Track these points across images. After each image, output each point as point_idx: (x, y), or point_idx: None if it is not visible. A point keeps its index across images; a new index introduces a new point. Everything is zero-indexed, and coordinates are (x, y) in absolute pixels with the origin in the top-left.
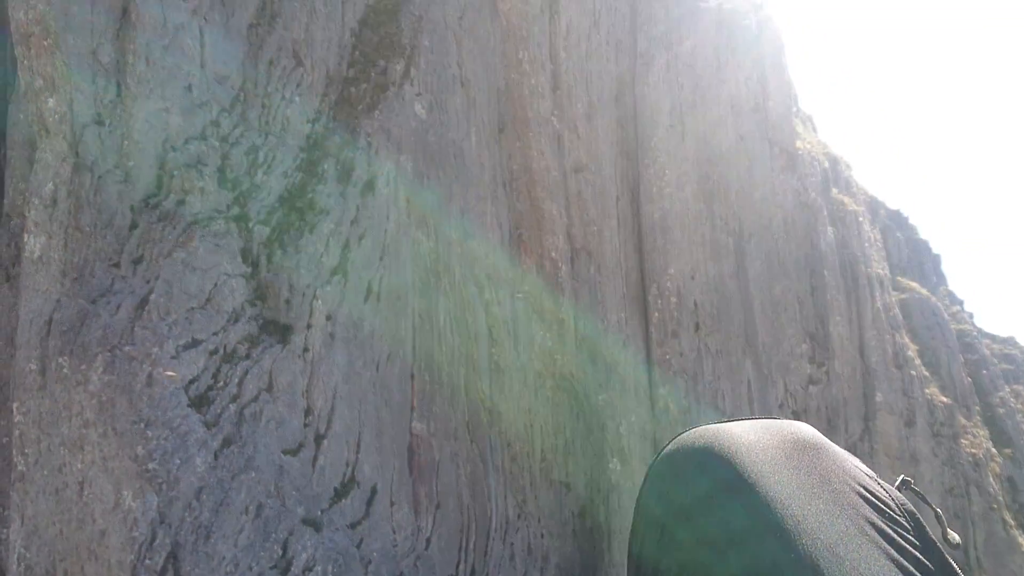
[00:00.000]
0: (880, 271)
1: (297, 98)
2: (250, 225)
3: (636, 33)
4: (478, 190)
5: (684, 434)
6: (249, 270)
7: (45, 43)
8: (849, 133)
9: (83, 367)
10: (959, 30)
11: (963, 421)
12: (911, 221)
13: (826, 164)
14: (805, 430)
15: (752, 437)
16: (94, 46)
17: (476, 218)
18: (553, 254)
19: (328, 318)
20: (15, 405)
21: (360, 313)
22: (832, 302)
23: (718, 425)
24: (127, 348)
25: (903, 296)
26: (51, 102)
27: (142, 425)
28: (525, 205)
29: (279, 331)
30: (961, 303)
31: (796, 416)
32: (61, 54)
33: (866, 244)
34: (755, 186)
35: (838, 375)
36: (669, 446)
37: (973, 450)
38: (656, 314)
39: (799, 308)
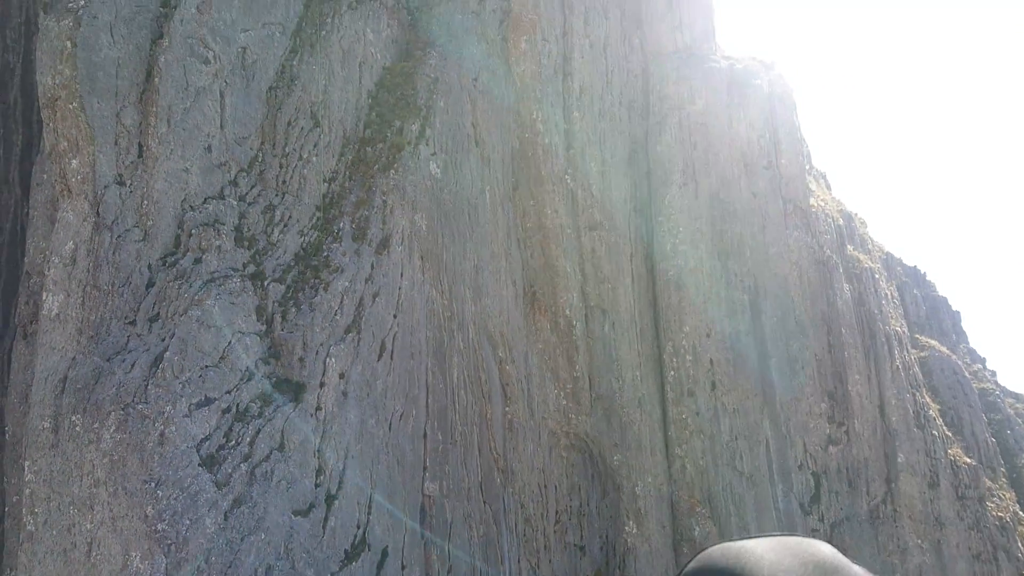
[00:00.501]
0: (898, 328)
1: (314, 158)
2: (265, 283)
3: (648, 93)
4: (492, 248)
5: (707, 553)
6: (264, 328)
7: (71, 107)
8: (863, 189)
9: (96, 425)
10: (975, 89)
11: (989, 483)
12: (929, 277)
13: (840, 221)
14: (825, 551)
15: (773, 557)
16: (118, 109)
17: (490, 276)
18: (567, 311)
19: (341, 376)
20: (27, 463)
21: (373, 371)
22: (850, 360)
23: (740, 544)
24: (140, 406)
25: (923, 354)
26: (74, 163)
27: (153, 484)
28: (539, 263)
29: (292, 389)
30: (983, 361)
31: (816, 477)
32: (86, 117)
33: (883, 301)
34: (769, 243)
35: (858, 435)
36: (693, 564)
37: (1000, 513)
38: (672, 372)
39: (817, 366)
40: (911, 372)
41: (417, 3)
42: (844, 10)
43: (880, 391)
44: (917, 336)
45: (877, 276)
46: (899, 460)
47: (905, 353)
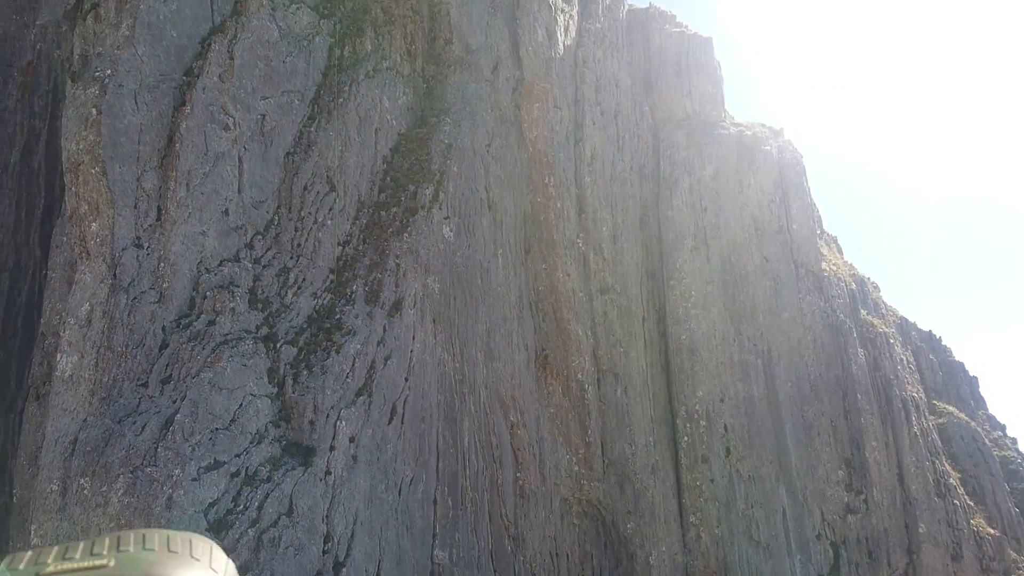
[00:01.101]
0: (915, 394)
1: (329, 221)
2: (278, 345)
3: (659, 158)
4: (504, 311)
5: None
6: (275, 390)
7: (93, 171)
8: (875, 253)
9: (104, 488)
10: (989, 151)
11: (1014, 555)
12: (944, 342)
13: (853, 285)
14: None
15: None
16: (139, 173)
17: (502, 339)
18: (579, 375)
19: (352, 440)
20: (33, 527)
21: (384, 435)
22: (867, 426)
23: None
24: (149, 469)
25: (941, 420)
26: (94, 226)
27: None
28: (551, 326)
29: (302, 453)
30: (1003, 428)
31: (835, 548)
32: (107, 181)
33: (899, 366)
34: (782, 307)
35: (877, 504)
36: None
37: None
38: (685, 438)
39: (833, 432)
40: (930, 439)
41: (432, 72)
42: (856, 77)
43: (899, 458)
44: (934, 402)
45: (892, 341)
46: (920, 530)
47: (923, 419)
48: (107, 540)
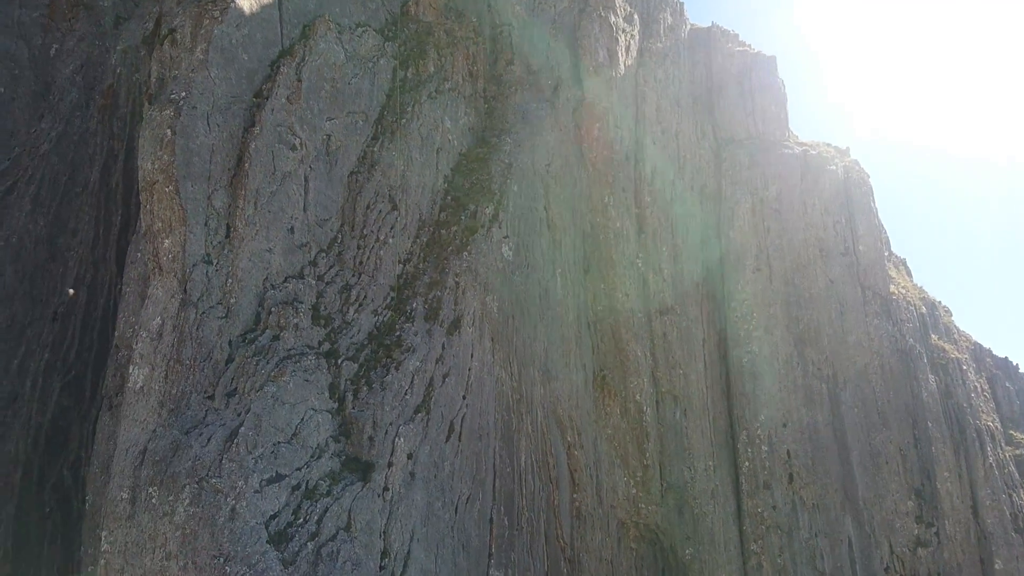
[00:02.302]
0: (990, 424)
1: (391, 240)
2: (339, 361)
3: (720, 179)
4: (562, 331)
5: None
6: (335, 405)
7: (167, 190)
8: (947, 277)
9: (171, 498)
10: None
11: None
12: (1022, 370)
13: (923, 309)
14: None
15: None
16: (210, 192)
17: (560, 359)
18: (638, 397)
19: (409, 456)
20: (103, 534)
21: (441, 452)
22: (938, 456)
23: None
24: (214, 480)
25: (1018, 452)
26: (167, 243)
27: (222, 560)
28: (609, 346)
29: (360, 468)
30: None
31: None
32: (180, 199)
33: (972, 394)
34: (848, 331)
35: (950, 537)
36: None
37: None
38: (746, 463)
39: (902, 461)
40: (1006, 471)
41: (493, 92)
42: (927, 91)
43: (972, 490)
44: (1012, 432)
45: (965, 367)
46: (996, 567)
47: (999, 450)
48: None
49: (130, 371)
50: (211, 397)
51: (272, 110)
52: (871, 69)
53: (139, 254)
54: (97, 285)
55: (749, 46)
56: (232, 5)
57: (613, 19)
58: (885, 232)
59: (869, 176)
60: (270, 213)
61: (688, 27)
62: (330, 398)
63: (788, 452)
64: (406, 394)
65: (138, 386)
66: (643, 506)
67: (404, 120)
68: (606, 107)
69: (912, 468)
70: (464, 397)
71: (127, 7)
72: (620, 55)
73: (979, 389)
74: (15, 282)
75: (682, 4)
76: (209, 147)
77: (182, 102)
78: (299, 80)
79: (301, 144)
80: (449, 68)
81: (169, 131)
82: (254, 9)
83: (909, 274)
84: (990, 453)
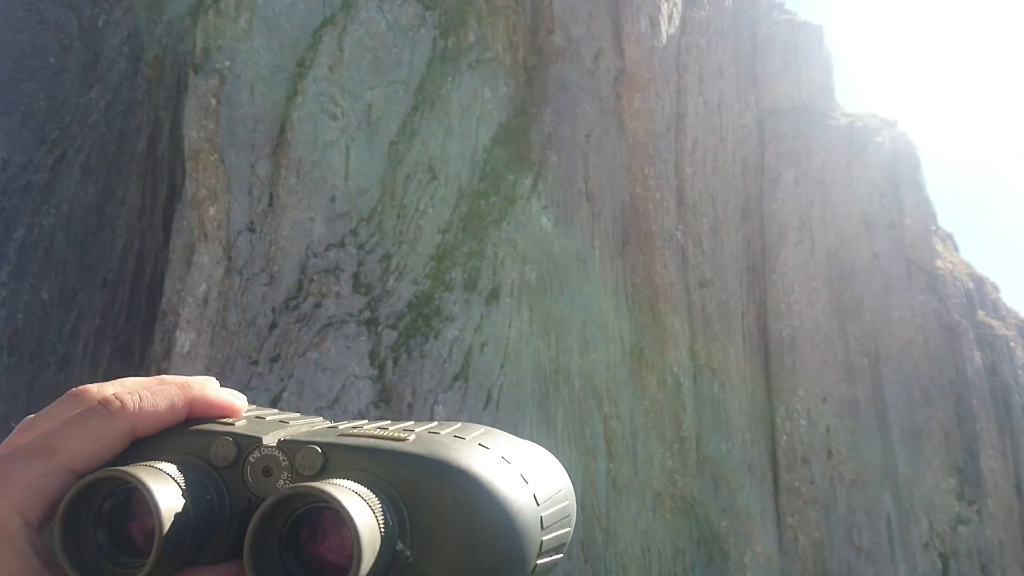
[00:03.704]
0: None
1: (430, 209)
2: (379, 329)
3: (763, 150)
4: (600, 302)
5: None
6: (376, 372)
7: (212, 158)
8: (996, 254)
9: None
10: None
11: None
12: None
13: (971, 285)
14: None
15: None
16: (253, 160)
17: (598, 330)
18: (675, 369)
19: None
20: None
21: (479, 420)
22: (982, 433)
23: None
24: None
25: None
26: (212, 211)
27: None
28: (647, 319)
29: None
30: None
31: (944, 559)
32: (225, 168)
33: (1020, 372)
34: (892, 306)
35: (992, 516)
36: None
37: None
38: (784, 437)
39: (944, 439)
40: None
41: (533, 62)
42: (971, 69)
43: (1017, 469)
44: None
45: (1013, 344)
46: None
47: None
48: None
49: (177, 336)
50: (255, 362)
51: (314, 79)
52: (925, 44)
53: (185, 222)
54: (145, 253)
55: (795, 14)
56: None
57: None
58: (932, 207)
59: (917, 149)
60: (312, 182)
61: None
62: (370, 365)
63: (827, 427)
64: (445, 363)
65: (185, 350)
66: (679, 478)
67: (444, 90)
68: (647, 77)
69: (955, 446)
70: (502, 367)
71: None
72: (662, 24)
73: None
74: (66, 249)
75: None
76: (253, 116)
77: (226, 71)
78: (340, 50)
79: (343, 113)
80: (489, 38)
81: (214, 100)
82: None
83: (956, 249)
84: None
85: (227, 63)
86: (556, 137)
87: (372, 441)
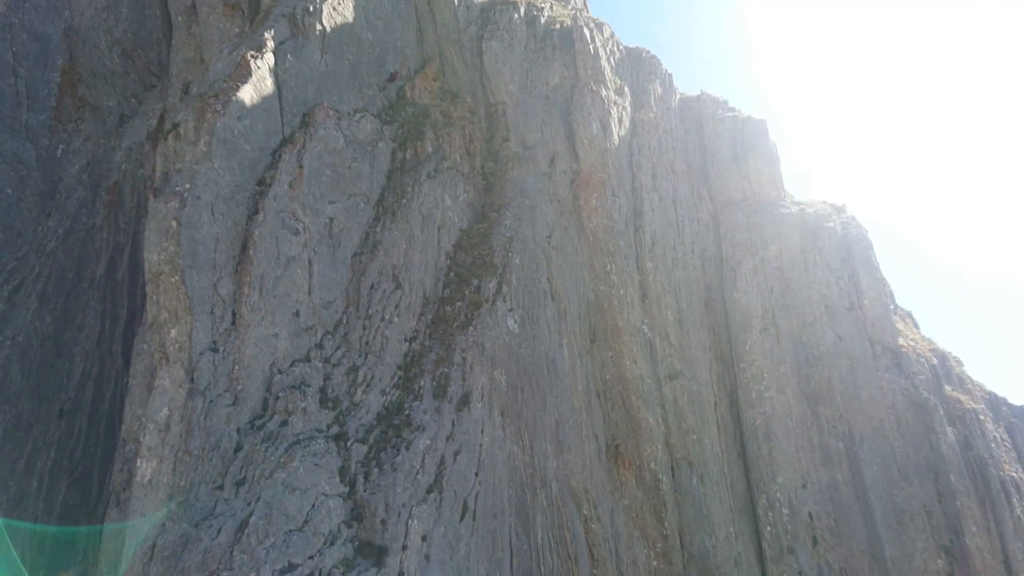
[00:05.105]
0: (1014, 474)
1: (396, 318)
2: (348, 443)
3: (720, 241)
4: (572, 401)
5: None
6: (346, 489)
7: (172, 280)
8: (955, 327)
9: None
10: None
11: None
12: None
13: (934, 361)
14: None
15: None
16: (215, 280)
17: (572, 430)
18: (653, 465)
19: (424, 538)
20: None
21: (456, 533)
22: (964, 510)
23: None
24: (225, 574)
25: None
26: (173, 332)
27: None
28: (621, 415)
29: (374, 554)
30: None
31: None
32: (186, 289)
33: (993, 444)
34: (860, 387)
35: None
36: None
37: None
38: (768, 528)
39: (927, 518)
40: None
41: (491, 168)
42: (908, 147)
43: (1002, 544)
44: None
45: (982, 417)
46: None
47: None
48: None
49: (138, 464)
50: (220, 487)
51: (275, 196)
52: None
53: (145, 346)
54: (103, 380)
55: (739, 111)
56: (234, 98)
57: (604, 92)
58: (889, 286)
59: (867, 231)
60: (275, 298)
61: (678, 96)
62: (341, 482)
63: (810, 514)
64: (417, 474)
65: (146, 479)
66: None
67: (404, 200)
68: (602, 177)
69: (939, 524)
70: (477, 474)
71: (131, 106)
72: (613, 126)
73: (999, 439)
74: (21, 380)
75: (670, 75)
76: (214, 236)
77: (186, 194)
78: (300, 166)
79: (304, 228)
80: (447, 147)
81: (174, 222)
82: (255, 100)
83: (916, 326)
84: (1017, 504)
85: (187, 185)
86: (518, 239)
87: None
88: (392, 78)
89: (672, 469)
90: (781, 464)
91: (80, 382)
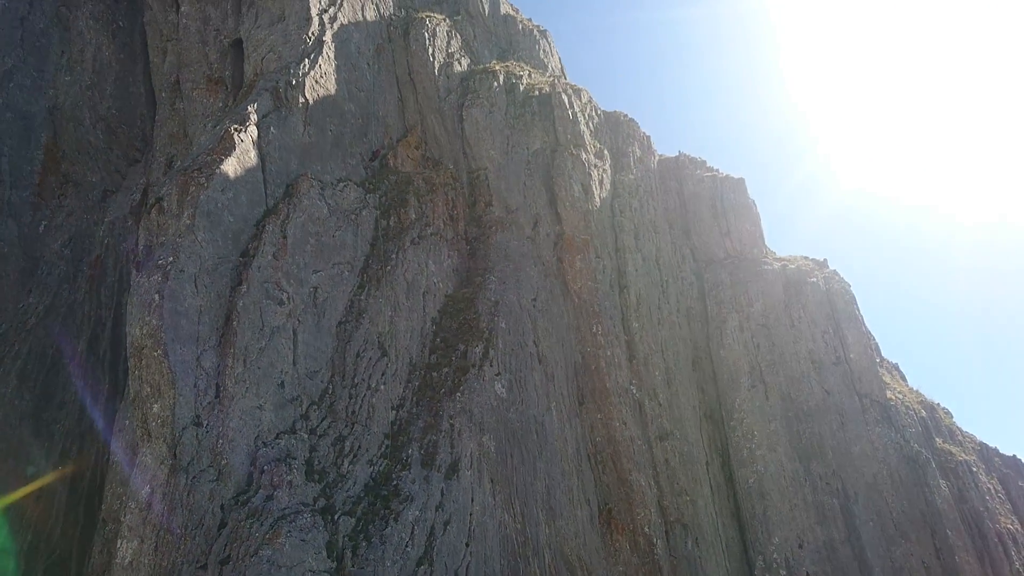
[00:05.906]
0: (1010, 526)
1: (382, 386)
2: (336, 517)
3: (705, 299)
4: (563, 466)
5: None
6: (334, 565)
7: (155, 354)
8: (943, 377)
9: None
10: None
11: None
12: None
13: (923, 413)
14: None
15: None
16: (198, 353)
17: (563, 495)
18: (646, 529)
19: None
20: None
21: None
22: (963, 565)
23: None
24: None
25: None
26: (155, 407)
27: None
28: (612, 478)
29: None
30: None
31: None
32: (168, 363)
33: (987, 496)
34: (851, 442)
35: None
36: None
37: None
38: None
39: (926, 574)
40: None
41: (475, 233)
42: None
43: None
44: None
45: (975, 469)
46: None
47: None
48: None
49: (118, 545)
50: (204, 567)
51: (259, 267)
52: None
53: (127, 422)
54: (83, 460)
55: (718, 171)
56: (218, 171)
57: (584, 156)
58: (874, 339)
59: (850, 285)
60: (259, 369)
61: (657, 158)
62: (328, 557)
63: (807, 574)
64: (407, 547)
65: (127, 561)
66: None
67: (389, 267)
68: (586, 239)
69: None
70: (467, 545)
71: (115, 181)
72: (595, 188)
73: (992, 491)
74: None
75: (649, 137)
76: (197, 308)
77: (169, 267)
78: (284, 237)
79: (288, 298)
80: (430, 214)
81: (157, 296)
82: (239, 173)
83: (903, 379)
84: (1015, 557)
85: (170, 258)
86: (503, 303)
87: None
88: (375, 156)
89: (666, 532)
90: (776, 523)
91: (59, 460)
